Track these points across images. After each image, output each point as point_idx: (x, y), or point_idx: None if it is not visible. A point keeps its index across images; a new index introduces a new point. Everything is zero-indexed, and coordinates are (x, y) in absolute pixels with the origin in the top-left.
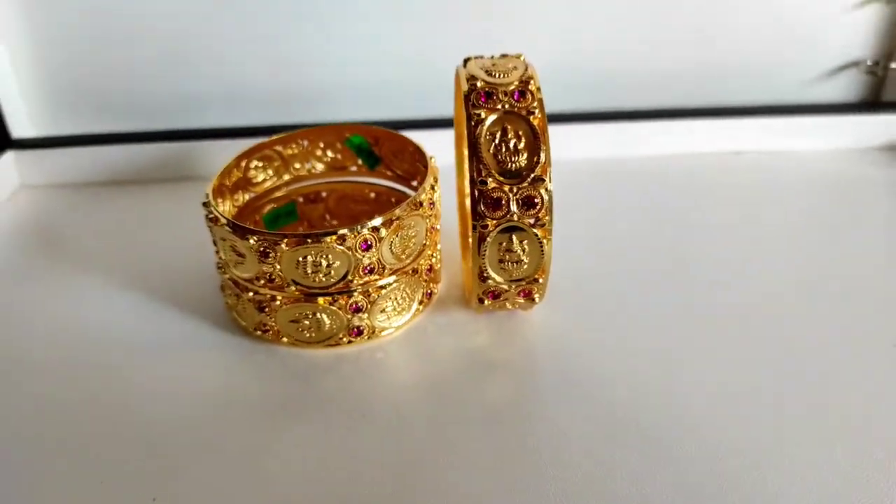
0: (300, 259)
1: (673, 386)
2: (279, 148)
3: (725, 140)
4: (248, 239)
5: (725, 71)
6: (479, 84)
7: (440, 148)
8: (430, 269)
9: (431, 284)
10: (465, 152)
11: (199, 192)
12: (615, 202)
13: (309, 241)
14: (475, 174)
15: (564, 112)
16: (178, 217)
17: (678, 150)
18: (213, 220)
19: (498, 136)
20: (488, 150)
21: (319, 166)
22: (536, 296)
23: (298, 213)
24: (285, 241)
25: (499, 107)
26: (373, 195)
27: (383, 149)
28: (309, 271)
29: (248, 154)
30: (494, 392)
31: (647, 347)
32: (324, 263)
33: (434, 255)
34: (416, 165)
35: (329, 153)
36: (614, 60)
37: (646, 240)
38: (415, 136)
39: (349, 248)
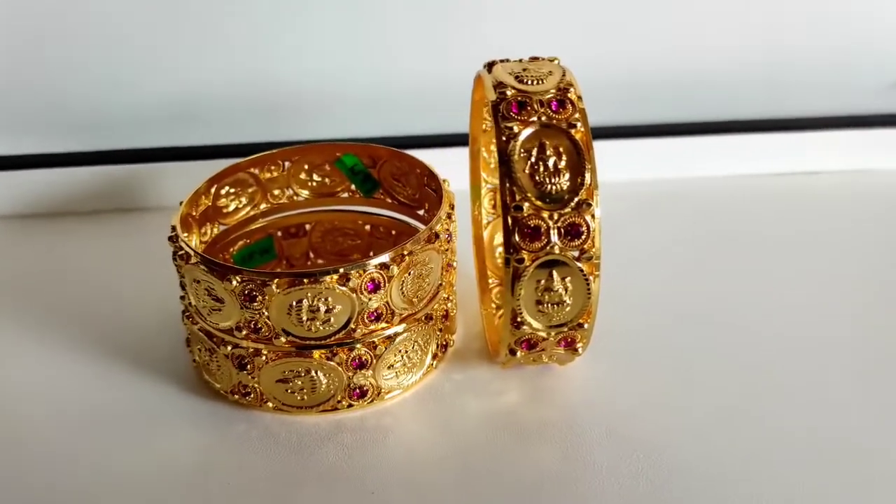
0: (293, 303)
1: (739, 449)
2: (255, 170)
3: (798, 158)
4: (230, 280)
5: (794, 77)
6: (509, 92)
7: (452, 170)
8: (446, 315)
9: (447, 334)
10: (484, 175)
11: (150, 225)
12: (669, 232)
13: (306, 281)
14: (508, 198)
15: (609, 125)
16: (126, 256)
17: (743, 171)
18: (183, 258)
19: (534, 153)
20: (523, 170)
21: (304, 193)
22: (580, 345)
23: (276, 251)
24: (276, 281)
25: (534, 119)
26: (368, 227)
27: (383, 171)
28: (304, 318)
29: (218, 178)
30: (529, 464)
31: (708, 403)
32: (322, 308)
33: (450, 298)
34: (423, 190)
35: (315, 177)
36: (666, 65)
37: (705, 277)
38: (421, 155)
39: (353, 290)
